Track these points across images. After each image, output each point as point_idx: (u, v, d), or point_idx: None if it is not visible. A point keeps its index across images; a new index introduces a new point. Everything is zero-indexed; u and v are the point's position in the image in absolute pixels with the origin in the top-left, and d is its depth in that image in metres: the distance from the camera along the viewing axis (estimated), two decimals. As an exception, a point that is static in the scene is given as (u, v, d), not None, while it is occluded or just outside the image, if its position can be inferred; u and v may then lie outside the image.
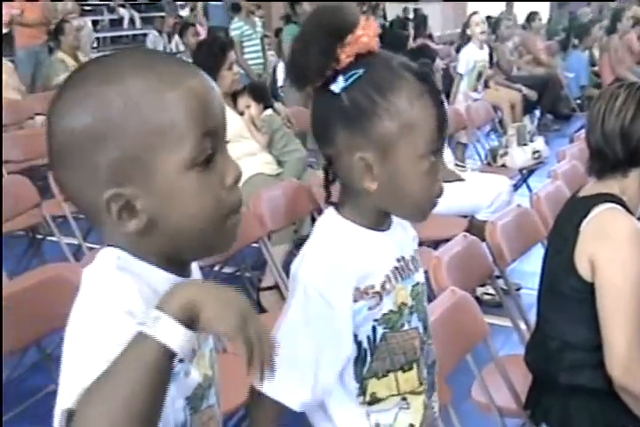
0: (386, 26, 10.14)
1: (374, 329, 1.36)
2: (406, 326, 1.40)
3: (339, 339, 1.34)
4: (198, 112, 0.98)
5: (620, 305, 1.97)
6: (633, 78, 8.00)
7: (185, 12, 13.44)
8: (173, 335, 0.86)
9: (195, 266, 1.14)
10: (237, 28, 7.12)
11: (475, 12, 7.26)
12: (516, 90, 7.87)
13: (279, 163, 4.40)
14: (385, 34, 8.08)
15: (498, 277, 2.94)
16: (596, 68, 9.58)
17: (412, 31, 9.73)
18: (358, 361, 1.37)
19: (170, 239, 1.01)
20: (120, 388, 0.83)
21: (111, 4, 15.77)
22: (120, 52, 1.08)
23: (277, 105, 5.28)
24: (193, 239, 1.02)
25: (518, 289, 3.75)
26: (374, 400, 1.39)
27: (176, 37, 11.68)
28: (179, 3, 13.52)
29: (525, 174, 5.79)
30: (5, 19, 8.60)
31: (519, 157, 5.64)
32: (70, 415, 0.86)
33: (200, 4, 13.52)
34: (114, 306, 0.93)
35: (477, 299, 3.34)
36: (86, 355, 0.90)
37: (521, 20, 11.42)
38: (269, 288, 3.90)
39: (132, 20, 15.88)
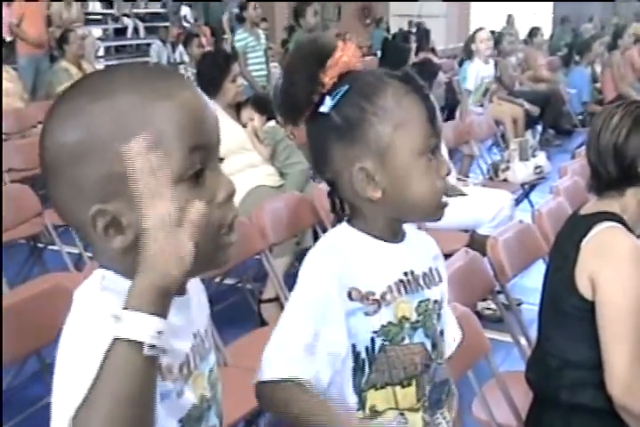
0: (388, 39, 10.17)
1: (373, 340, 1.36)
2: (407, 341, 1.39)
3: (338, 325, 1.33)
4: (188, 126, 0.97)
5: (620, 324, 1.97)
6: (635, 94, 8.03)
7: (189, 21, 13.49)
8: (137, 327, 0.85)
9: (194, 280, 1.12)
10: (242, 39, 7.14)
11: (480, 28, 7.29)
12: (519, 105, 7.88)
13: (281, 175, 4.41)
14: (387, 47, 8.12)
15: (499, 292, 2.93)
16: (598, 85, 9.59)
17: (414, 45, 9.75)
18: (357, 372, 1.36)
19: None
20: (103, 398, 0.83)
21: (115, 13, 15.81)
22: (118, 66, 1.08)
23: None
24: None
25: (519, 304, 3.74)
26: (373, 414, 1.38)
27: (180, 47, 11.71)
28: (182, 13, 13.57)
29: (527, 189, 5.79)
30: (5, 28, 8.65)
31: (521, 171, 5.64)
32: None
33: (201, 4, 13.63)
34: (100, 331, 0.90)
35: (478, 314, 3.34)
36: (75, 378, 0.89)
37: (522, 35, 11.46)
38: (270, 300, 3.90)
39: (135, 30, 15.92)
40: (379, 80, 1.34)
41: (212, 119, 1.02)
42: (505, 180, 5.63)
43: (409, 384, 1.40)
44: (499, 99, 7.80)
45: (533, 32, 10.08)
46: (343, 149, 1.32)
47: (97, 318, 0.93)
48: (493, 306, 3.77)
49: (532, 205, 5.24)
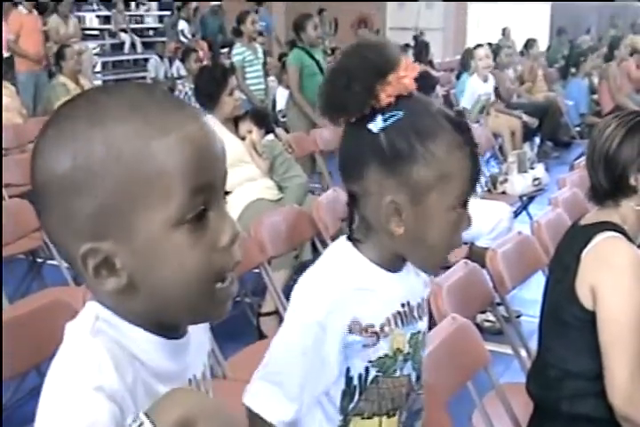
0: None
1: (367, 370, 1.37)
2: (398, 373, 1.41)
3: (324, 366, 1.34)
4: (191, 163, 0.88)
5: (621, 334, 1.97)
6: (632, 106, 8.05)
7: (186, 36, 13.51)
8: None
9: None
10: (239, 53, 7.15)
11: (479, 45, 7.29)
12: (516, 117, 7.89)
13: (280, 188, 4.41)
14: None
15: (498, 304, 2.94)
16: (595, 96, 9.62)
17: (412, 58, 9.77)
18: (346, 395, 1.37)
19: (153, 302, 0.92)
20: None
21: (112, 28, 15.84)
22: (116, 86, 0.97)
23: (278, 130, 5.30)
24: (179, 304, 0.92)
25: (519, 316, 3.74)
26: None
27: (177, 62, 11.72)
28: (180, 28, 13.59)
29: (525, 201, 5.79)
30: (4, 44, 8.69)
31: (519, 183, 5.65)
32: None
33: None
34: (83, 382, 0.85)
35: (478, 326, 3.33)
36: None
37: (519, 46, 11.49)
38: (269, 314, 3.90)
39: (133, 45, 15.94)
40: (435, 122, 1.29)
41: (220, 155, 0.93)
42: (503, 192, 5.64)
43: (394, 415, 1.42)
44: (496, 111, 7.81)
45: (529, 43, 10.13)
46: (380, 174, 1.29)
47: (84, 370, 0.87)
48: (493, 318, 3.77)
49: (530, 217, 5.23)
